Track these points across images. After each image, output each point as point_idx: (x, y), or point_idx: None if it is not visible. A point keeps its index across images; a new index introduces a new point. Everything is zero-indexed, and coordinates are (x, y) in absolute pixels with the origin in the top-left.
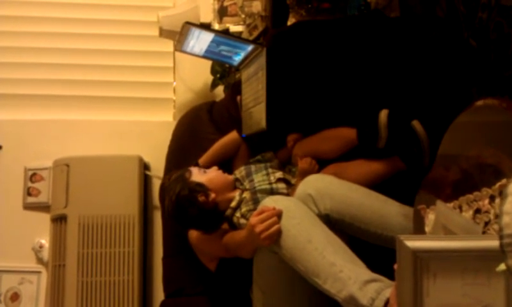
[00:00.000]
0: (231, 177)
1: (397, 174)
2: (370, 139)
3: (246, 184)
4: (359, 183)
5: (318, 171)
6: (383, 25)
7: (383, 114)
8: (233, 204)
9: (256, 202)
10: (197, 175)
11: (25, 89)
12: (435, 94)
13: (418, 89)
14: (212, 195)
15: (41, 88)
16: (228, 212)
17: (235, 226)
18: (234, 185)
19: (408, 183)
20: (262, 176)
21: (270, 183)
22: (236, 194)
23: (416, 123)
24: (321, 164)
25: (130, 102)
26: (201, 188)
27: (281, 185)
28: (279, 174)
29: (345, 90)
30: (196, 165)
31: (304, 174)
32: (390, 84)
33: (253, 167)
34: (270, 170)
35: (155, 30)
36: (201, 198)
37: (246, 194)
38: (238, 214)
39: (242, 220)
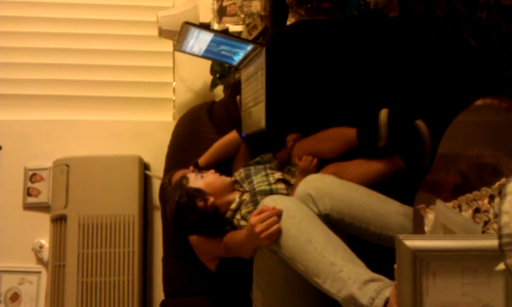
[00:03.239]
0: (228, 179)
1: (397, 174)
2: (370, 138)
3: (246, 186)
4: (359, 182)
5: (318, 171)
6: (383, 24)
7: (383, 114)
8: (233, 206)
9: (256, 203)
10: (194, 181)
11: (25, 89)
12: (435, 94)
13: (418, 89)
14: (211, 199)
15: (41, 88)
16: (229, 214)
17: (236, 228)
18: (232, 187)
19: (408, 182)
20: (261, 177)
21: (269, 184)
22: (236, 196)
23: (420, 123)
24: (321, 163)
25: (130, 102)
26: (199, 193)
27: (281, 186)
28: (278, 175)
29: (345, 89)
30: (196, 165)
31: (304, 173)
32: (389, 83)
33: (252, 169)
34: (269, 171)
35: (154, 30)
36: (201, 204)
37: (246, 196)
38: (238, 216)
39: (243, 222)
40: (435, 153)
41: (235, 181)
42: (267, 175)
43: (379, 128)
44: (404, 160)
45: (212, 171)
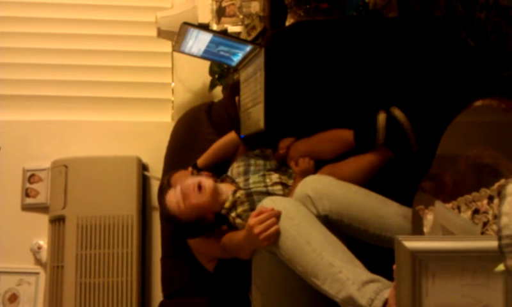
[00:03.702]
0: (212, 184)
1: (396, 175)
2: (368, 141)
3: (240, 182)
4: (353, 178)
5: (314, 172)
6: (381, 25)
7: (381, 118)
8: (227, 205)
9: (252, 203)
10: (185, 211)
11: (23, 89)
12: (434, 95)
13: (416, 90)
14: (210, 216)
15: (39, 89)
16: (223, 211)
17: (231, 225)
18: (218, 191)
19: (407, 183)
20: (258, 177)
21: (266, 186)
22: (229, 194)
23: (395, 110)
24: (317, 165)
25: (129, 102)
26: (198, 219)
27: (277, 188)
28: (275, 178)
29: (343, 91)
30: (195, 166)
31: (303, 174)
32: (388, 84)
33: (252, 166)
34: (267, 172)
35: (153, 30)
36: (203, 224)
37: (240, 194)
38: (233, 214)
39: (238, 220)
40: (422, 138)
41: (227, 177)
42: (264, 176)
43: (377, 131)
44: (390, 149)
45: (197, 180)
